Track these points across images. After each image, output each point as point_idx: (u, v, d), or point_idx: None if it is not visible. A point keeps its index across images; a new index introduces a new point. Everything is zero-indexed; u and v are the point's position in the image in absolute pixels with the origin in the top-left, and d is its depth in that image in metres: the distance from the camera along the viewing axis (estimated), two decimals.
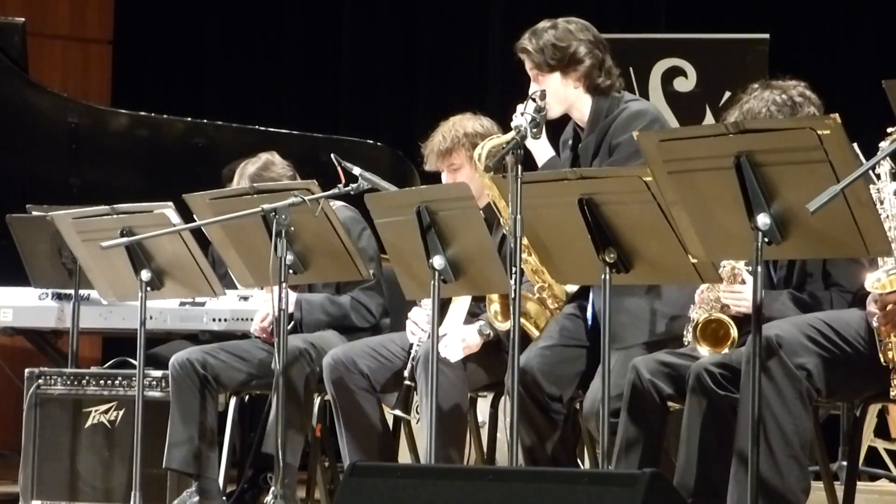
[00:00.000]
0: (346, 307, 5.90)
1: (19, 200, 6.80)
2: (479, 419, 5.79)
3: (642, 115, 4.99)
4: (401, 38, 9.72)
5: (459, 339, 5.24)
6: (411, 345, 5.35)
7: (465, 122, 5.49)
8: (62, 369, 6.26)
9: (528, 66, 5.09)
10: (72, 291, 6.48)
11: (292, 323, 5.80)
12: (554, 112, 5.02)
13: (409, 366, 5.27)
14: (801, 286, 4.59)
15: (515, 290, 4.52)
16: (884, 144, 4.12)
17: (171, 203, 5.62)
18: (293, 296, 5.74)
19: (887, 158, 4.15)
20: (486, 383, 5.38)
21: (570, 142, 5.13)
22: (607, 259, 4.45)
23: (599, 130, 5.00)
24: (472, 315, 5.39)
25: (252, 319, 6.05)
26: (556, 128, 5.16)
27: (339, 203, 5.88)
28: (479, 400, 5.76)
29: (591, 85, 5.04)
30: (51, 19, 9.66)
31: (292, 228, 5.21)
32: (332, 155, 5.67)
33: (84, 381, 6.14)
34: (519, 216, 4.47)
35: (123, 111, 7.99)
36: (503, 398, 5.25)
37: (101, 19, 9.87)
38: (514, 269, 4.52)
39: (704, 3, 9.00)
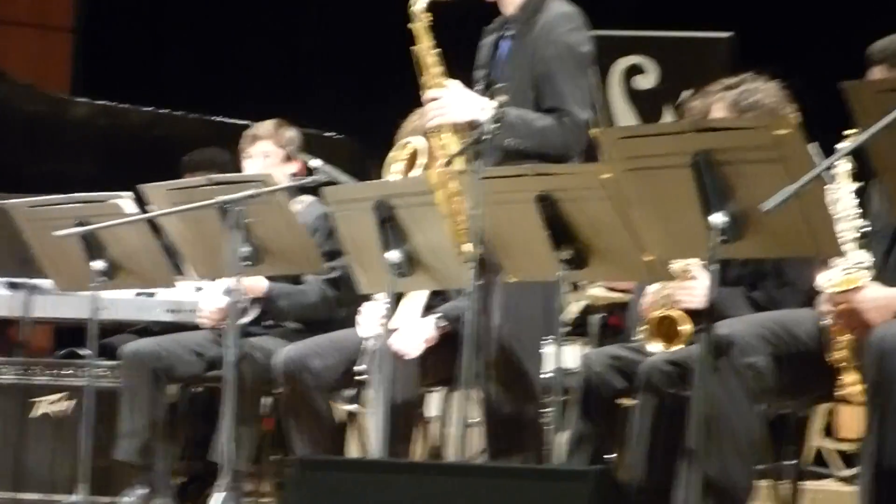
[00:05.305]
0: (316, 298, 5.89)
1: None
2: (428, 414, 5.78)
3: (570, 17, 4.94)
4: (367, 27, 9.66)
5: (416, 333, 5.22)
6: (363, 339, 5.33)
7: None
8: (11, 358, 6.21)
9: None
10: (24, 280, 6.43)
11: (253, 314, 5.81)
12: None
13: (359, 359, 5.25)
14: (754, 285, 4.59)
15: (473, 286, 4.51)
16: (840, 146, 4.12)
17: (130, 193, 5.58)
18: (264, 282, 5.73)
19: (846, 159, 4.15)
20: (440, 378, 5.37)
21: (497, 34, 5.07)
22: (562, 256, 4.44)
23: (527, 24, 4.96)
24: (430, 308, 5.38)
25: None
26: None
27: (312, 198, 5.87)
28: (429, 395, 5.74)
29: None
30: (10, 6, 9.59)
31: (249, 220, 5.18)
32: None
33: (34, 371, 6.09)
34: (479, 211, 4.46)
35: (82, 100, 7.92)
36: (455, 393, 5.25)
37: (63, 7, 9.81)
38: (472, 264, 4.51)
39: (667, 0, 9.00)
